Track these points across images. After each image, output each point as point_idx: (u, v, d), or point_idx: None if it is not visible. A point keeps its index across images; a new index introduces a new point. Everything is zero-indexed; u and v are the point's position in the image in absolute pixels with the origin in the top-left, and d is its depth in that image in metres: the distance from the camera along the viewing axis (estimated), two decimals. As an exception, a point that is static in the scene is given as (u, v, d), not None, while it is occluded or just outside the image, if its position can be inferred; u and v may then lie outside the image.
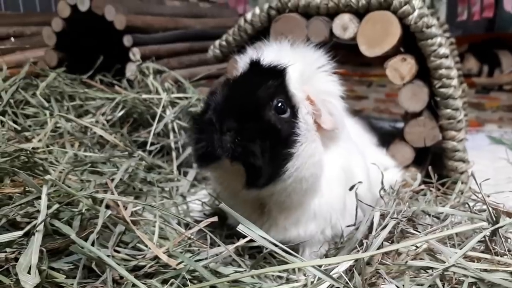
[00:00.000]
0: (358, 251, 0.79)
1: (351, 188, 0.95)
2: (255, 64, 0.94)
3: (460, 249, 0.75)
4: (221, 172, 0.96)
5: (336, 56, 1.04)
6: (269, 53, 0.97)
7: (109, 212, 0.88)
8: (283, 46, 1.01)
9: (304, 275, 0.79)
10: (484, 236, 0.80)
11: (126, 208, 0.94)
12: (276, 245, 0.76)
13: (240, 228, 0.76)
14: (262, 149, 0.84)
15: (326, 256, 0.96)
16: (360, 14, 1.43)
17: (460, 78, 1.91)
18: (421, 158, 1.50)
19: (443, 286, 0.70)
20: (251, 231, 0.76)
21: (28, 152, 1.12)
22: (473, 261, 0.74)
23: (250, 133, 0.84)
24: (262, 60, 0.93)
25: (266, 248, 0.77)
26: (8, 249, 0.82)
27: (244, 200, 0.97)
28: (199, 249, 0.93)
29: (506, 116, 2.56)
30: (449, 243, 0.83)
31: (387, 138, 1.53)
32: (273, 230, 0.96)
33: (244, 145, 0.83)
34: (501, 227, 0.79)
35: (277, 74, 0.92)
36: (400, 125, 1.96)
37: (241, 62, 1.01)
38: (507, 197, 1.16)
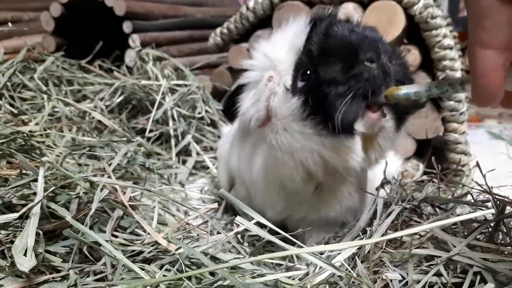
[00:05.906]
0: (361, 238, 0.78)
1: (377, 188, 0.92)
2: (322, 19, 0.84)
3: (465, 238, 0.74)
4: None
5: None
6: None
7: (106, 191, 0.86)
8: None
9: (307, 265, 0.78)
10: (488, 226, 0.79)
11: (124, 193, 0.92)
12: (276, 233, 0.74)
13: (238, 220, 0.74)
14: None
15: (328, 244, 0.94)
16: (364, 3, 1.41)
17: (462, 73, 1.89)
18: (422, 151, 1.49)
19: (447, 274, 0.69)
20: (248, 222, 0.74)
21: (25, 135, 1.10)
22: (477, 251, 0.73)
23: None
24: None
25: (263, 238, 0.75)
26: (3, 231, 0.81)
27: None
28: (198, 235, 0.91)
29: (505, 112, 2.55)
30: (453, 232, 0.82)
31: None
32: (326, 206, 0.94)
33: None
34: (506, 217, 0.78)
35: None
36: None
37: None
38: (510, 189, 1.15)
